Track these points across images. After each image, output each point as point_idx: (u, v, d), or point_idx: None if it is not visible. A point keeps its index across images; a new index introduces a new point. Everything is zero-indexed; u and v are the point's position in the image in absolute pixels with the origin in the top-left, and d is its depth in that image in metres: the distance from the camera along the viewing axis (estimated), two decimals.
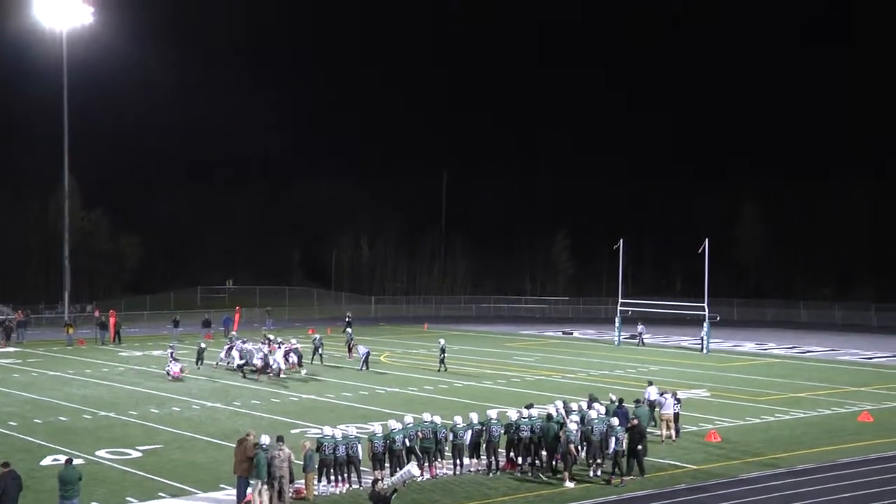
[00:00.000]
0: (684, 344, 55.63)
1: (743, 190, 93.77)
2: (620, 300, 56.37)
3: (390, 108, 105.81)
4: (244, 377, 38.62)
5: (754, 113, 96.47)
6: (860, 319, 74.01)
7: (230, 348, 41.53)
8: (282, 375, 39.21)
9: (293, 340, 42.13)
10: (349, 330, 48.84)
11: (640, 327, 55.27)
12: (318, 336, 45.66)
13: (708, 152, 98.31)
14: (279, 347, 40.31)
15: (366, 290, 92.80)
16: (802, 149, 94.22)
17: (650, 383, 28.64)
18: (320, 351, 43.88)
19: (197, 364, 39.01)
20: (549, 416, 23.37)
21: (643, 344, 54.41)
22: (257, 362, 39.12)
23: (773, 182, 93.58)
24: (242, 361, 39.61)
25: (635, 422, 23.43)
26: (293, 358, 40.42)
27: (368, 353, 42.46)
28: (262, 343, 41.34)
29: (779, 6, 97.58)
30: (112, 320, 54.72)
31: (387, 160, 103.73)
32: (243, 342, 41.78)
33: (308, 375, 39.69)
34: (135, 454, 25.02)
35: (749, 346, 55.07)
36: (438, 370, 41.32)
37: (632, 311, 57.03)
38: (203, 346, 39.87)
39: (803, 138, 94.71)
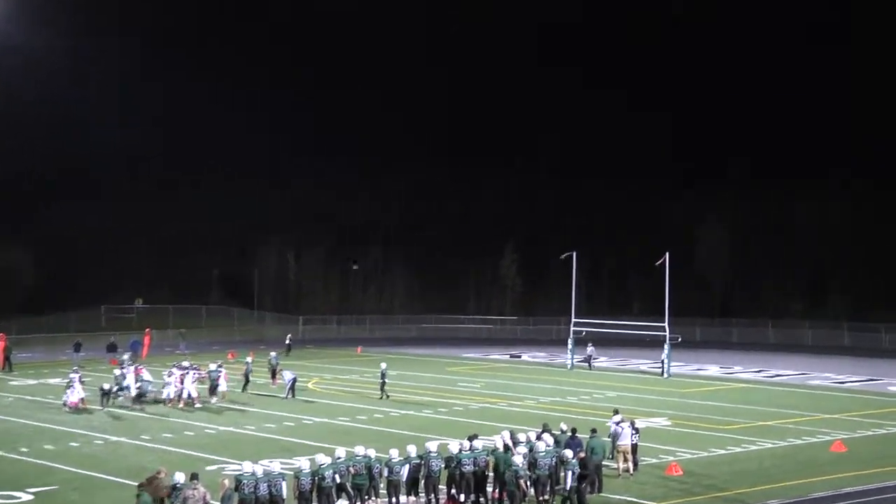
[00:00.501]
0: (643, 368, 56.10)
1: (706, 198, 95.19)
2: (574, 320, 56.68)
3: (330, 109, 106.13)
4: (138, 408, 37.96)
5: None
6: (832, 339, 75.42)
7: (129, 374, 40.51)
8: (197, 405, 38.76)
9: (212, 365, 41.55)
10: (273, 354, 48.35)
11: (589, 348, 55.68)
12: (249, 360, 45.20)
13: (677, 157, 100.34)
14: (188, 373, 39.77)
15: (292, 310, 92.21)
16: (772, 153, 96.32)
17: (616, 412, 28.56)
18: (251, 378, 43.58)
19: (103, 404, 38.18)
20: (507, 448, 23.37)
21: (592, 367, 54.85)
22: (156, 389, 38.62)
23: (738, 189, 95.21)
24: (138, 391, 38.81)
25: (582, 454, 23.51)
26: (196, 385, 39.76)
27: (295, 380, 42.18)
28: (175, 367, 40.63)
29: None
30: (1, 344, 53.55)
31: (317, 166, 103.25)
32: (126, 367, 40.99)
33: (222, 404, 39.33)
34: (25, 497, 24.46)
35: (713, 370, 55.74)
36: (380, 398, 41.38)
37: (586, 331, 57.39)
38: (107, 386, 38.94)
39: (773, 142, 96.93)
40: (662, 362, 52.18)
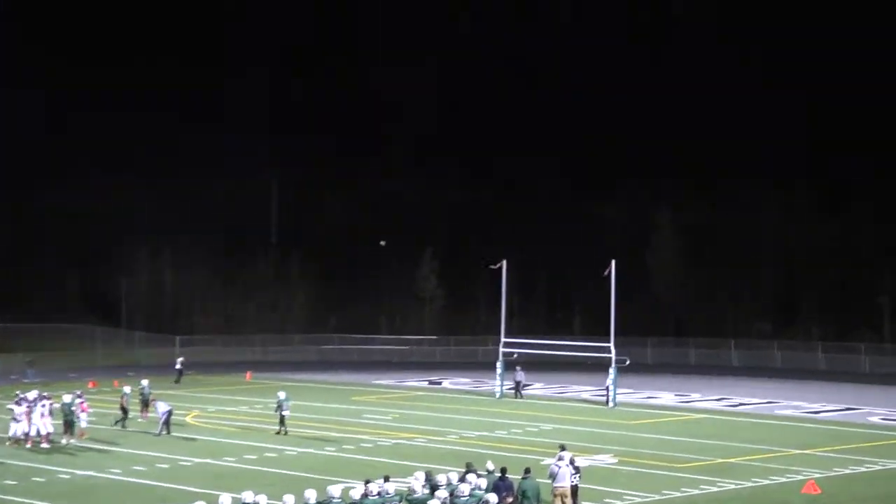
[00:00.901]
0: (585, 396, 56.48)
1: (660, 200, 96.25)
2: (503, 340, 56.84)
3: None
4: None
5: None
6: (804, 362, 76.63)
7: None
8: (44, 445, 38.13)
9: (68, 397, 40.80)
10: (144, 382, 47.66)
11: (518, 373, 55.95)
12: (127, 390, 44.62)
13: (629, 156, 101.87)
14: (35, 406, 38.97)
15: (167, 329, 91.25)
16: (738, 154, 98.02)
17: (562, 448, 28.62)
18: (129, 410, 43.24)
19: None
20: (434, 488, 23.23)
21: (521, 396, 55.19)
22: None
23: (697, 191, 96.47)
24: None
25: (510, 500, 23.45)
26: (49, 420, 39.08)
27: (170, 413, 41.85)
28: (22, 399, 39.79)
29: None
30: None
31: (198, 162, 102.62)
32: None
33: (80, 444, 38.81)
34: None
35: (667, 398, 56.36)
36: (278, 432, 41.34)
37: (518, 353, 57.57)
38: None
39: (741, 144, 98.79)
40: (607, 389, 52.49)
